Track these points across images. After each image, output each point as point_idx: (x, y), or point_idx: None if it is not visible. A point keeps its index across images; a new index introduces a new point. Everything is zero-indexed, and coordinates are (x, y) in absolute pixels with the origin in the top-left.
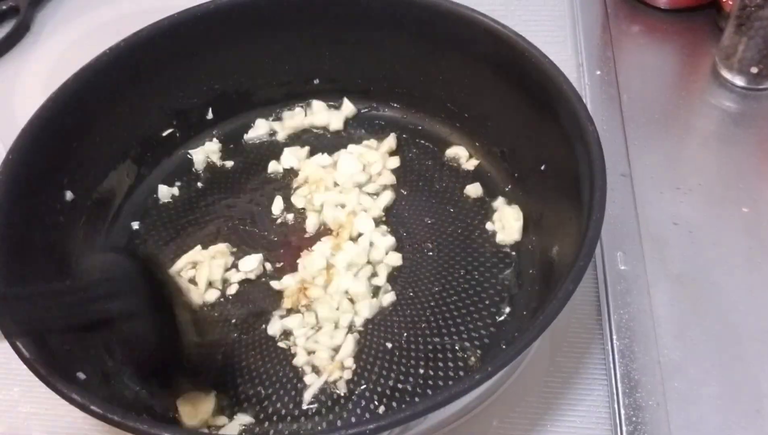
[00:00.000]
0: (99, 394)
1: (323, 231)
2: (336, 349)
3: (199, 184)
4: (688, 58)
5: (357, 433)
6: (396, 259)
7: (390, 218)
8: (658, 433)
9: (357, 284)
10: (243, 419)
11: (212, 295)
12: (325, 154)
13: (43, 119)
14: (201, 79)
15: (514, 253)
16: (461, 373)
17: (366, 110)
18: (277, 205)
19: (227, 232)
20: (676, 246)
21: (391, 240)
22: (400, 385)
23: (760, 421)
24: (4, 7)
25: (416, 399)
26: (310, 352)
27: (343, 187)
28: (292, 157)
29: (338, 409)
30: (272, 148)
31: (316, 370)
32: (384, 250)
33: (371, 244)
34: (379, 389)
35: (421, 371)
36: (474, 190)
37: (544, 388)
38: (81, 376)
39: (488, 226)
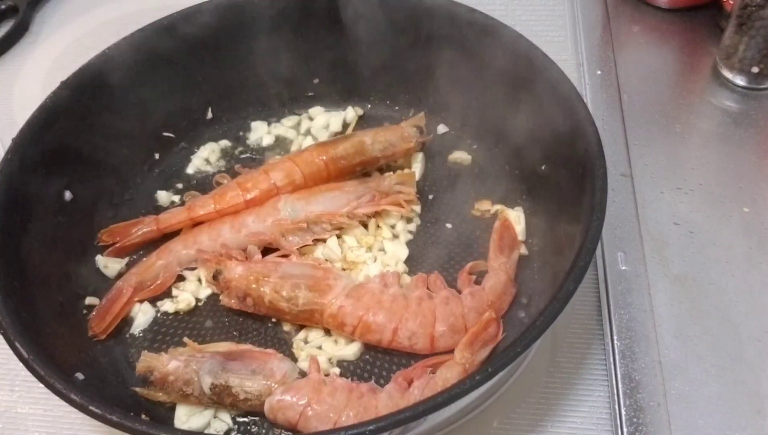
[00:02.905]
0: (97, 395)
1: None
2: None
3: (197, 184)
4: (689, 58)
5: (357, 433)
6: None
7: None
8: (659, 434)
9: None
10: (239, 419)
11: (206, 292)
12: None
13: (42, 119)
14: (201, 79)
15: None
16: None
17: (366, 111)
18: None
19: None
20: (677, 246)
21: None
22: None
23: (760, 421)
24: (2, 7)
25: None
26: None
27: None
28: None
29: None
30: (272, 150)
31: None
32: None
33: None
34: None
35: None
36: (475, 191)
37: (545, 389)
38: (79, 376)
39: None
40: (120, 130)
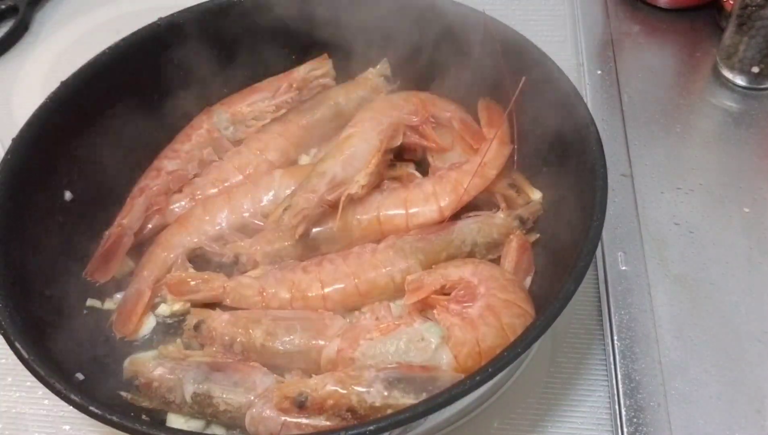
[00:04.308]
0: (97, 395)
1: None
2: None
3: None
4: (689, 58)
5: (357, 433)
6: None
7: None
8: (660, 434)
9: None
10: None
11: None
12: None
13: (42, 119)
14: (200, 78)
15: None
16: None
17: None
18: None
19: None
20: (677, 246)
21: None
22: None
23: (760, 421)
24: (2, 7)
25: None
26: None
27: None
28: None
29: None
30: None
31: None
32: None
33: None
34: None
35: None
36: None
37: (545, 389)
38: (80, 376)
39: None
40: (120, 130)
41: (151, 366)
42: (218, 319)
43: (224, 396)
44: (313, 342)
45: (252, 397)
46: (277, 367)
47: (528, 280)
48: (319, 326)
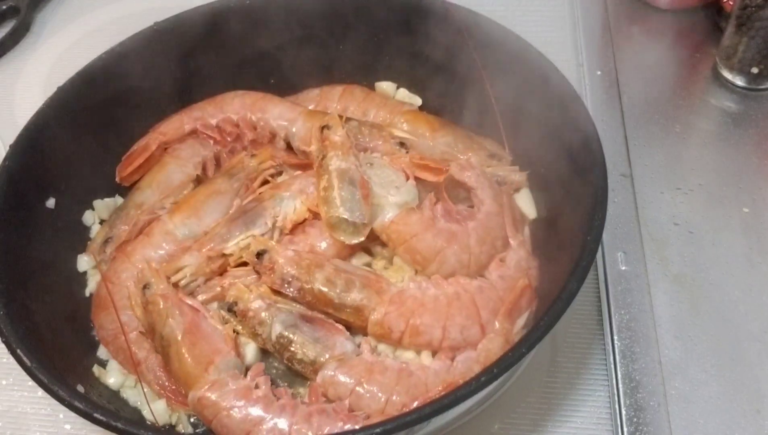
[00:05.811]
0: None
1: None
2: None
3: None
4: (689, 59)
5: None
6: None
7: None
8: (660, 434)
9: None
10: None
11: None
12: None
13: (39, 124)
14: (198, 82)
15: None
16: None
17: None
18: None
19: None
20: (677, 246)
21: None
22: None
23: (760, 421)
24: (4, 8)
25: None
26: None
27: None
28: None
29: None
30: None
31: None
32: None
33: None
34: None
35: None
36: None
37: (545, 389)
38: (80, 389)
39: None
40: (120, 132)
41: (251, 297)
42: (282, 253)
43: (303, 346)
44: (366, 302)
45: (327, 356)
46: (325, 313)
47: (527, 230)
48: (376, 288)
